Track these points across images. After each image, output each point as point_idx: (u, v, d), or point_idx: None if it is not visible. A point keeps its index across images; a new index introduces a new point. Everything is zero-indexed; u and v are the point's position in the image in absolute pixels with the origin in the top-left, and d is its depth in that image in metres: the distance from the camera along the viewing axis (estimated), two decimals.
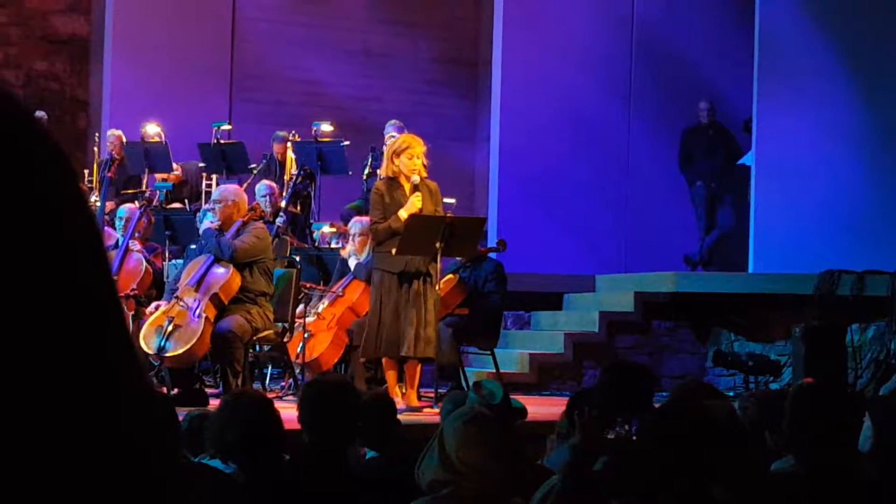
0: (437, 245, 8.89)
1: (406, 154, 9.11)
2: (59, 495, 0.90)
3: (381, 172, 9.66)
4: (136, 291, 10.49)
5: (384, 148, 12.83)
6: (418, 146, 9.15)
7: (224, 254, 9.58)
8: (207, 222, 10.17)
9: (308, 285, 10.73)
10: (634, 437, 4.91)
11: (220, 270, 9.59)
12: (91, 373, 0.92)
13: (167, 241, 11.47)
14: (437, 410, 8.93)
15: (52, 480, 0.90)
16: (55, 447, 0.90)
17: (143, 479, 0.94)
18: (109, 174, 13.83)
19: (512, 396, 5.31)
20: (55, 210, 0.93)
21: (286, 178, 13.52)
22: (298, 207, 13.18)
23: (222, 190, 10.16)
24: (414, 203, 9.03)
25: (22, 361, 0.89)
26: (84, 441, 0.91)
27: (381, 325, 9.02)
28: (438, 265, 9.09)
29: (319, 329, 10.40)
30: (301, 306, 10.48)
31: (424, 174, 9.17)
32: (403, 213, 8.99)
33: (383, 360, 9.23)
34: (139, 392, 0.96)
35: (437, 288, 9.14)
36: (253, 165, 13.74)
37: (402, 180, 9.14)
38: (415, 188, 9.08)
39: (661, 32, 14.63)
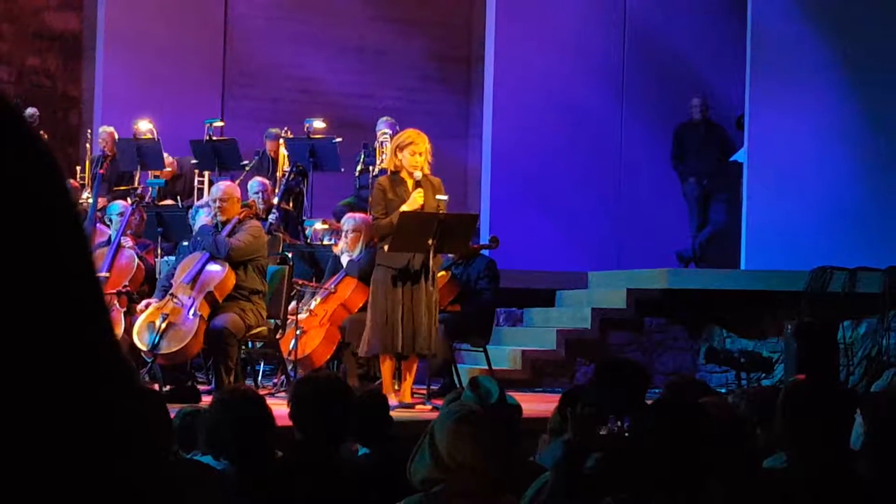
0: (430, 242, 8.88)
1: (409, 149, 9.10)
2: (43, 493, 0.90)
3: (384, 166, 9.64)
4: (128, 288, 10.48)
5: (376, 144, 12.87)
6: (422, 143, 9.14)
7: (220, 252, 9.57)
8: (203, 219, 10.15)
9: (300, 282, 10.72)
10: (627, 434, 4.91)
11: (215, 268, 9.58)
12: (75, 372, 0.91)
13: (159, 238, 11.46)
14: (429, 407, 8.95)
15: (36, 479, 0.89)
16: (38, 447, 0.89)
17: (128, 477, 0.94)
18: (101, 171, 13.81)
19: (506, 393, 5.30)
20: (38, 207, 0.92)
21: (279, 174, 13.51)
22: (291, 204, 13.17)
23: (224, 187, 10.11)
24: (416, 199, 9.02)
25: (3, 361, 0.89)
26: (67, 439, 0.91)
27: (389, 322, 9.00)
28: (432, 261, 9.08)
29: (312, 326, 10.40)
30: (293, 303, 10.47)
31: (427, 170, 9.17)
32: (406, 210, 8.99)
33: (381, 355, 9.22)
34: (124, 388, 0.95)
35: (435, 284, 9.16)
36: (245, 162, 13.73)
37: (405, 175, 9.13)
38: (417, 184, 9.07)
39: (653, 28, 14.64)
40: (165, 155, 14.08)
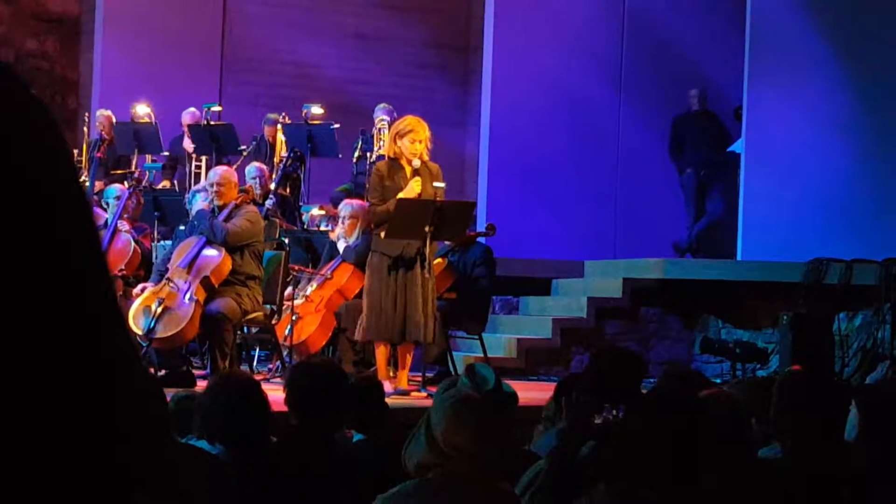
0: (427, 229, 8.87)
1: (409, 137, 9.06)
2: (52, 486, 0.89)
3: (383, 151, 9.61)
4: (125, 272, 10.48)
5: (374, 131, 12.86)
6: (423, 131, 9.10)
7: (217, 237, 9.56)
8: (200, 203, 10.15)
9: (297, 268, 10.72)
10: (622, 423, 4.91)
11: (211, 253, 9.57)
12: (86, 363, 0.91)
13: (156, 222, 11.46)
14: (424, 394, 8.95)
15: (44, 471, 0.89)
16: (47, 439, 0.89)
17: (129, 462, 0.94)
18: (99, 154, 13.81)
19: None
20: (47, 187, 0.92)
21: (276, 160, 13.50)
22: (288, 190, 13.16)
23: (222, 172, 10.10)
24: (413, 188, 8.99)
25: (14, 351, 0.88)
26: (75, 433, 0.90)
27: (382, 309, 8.99)
28: (429, 248, 9.07)
29: (307, 311, 10.40)
30: (289, 288, 10.47)
31: (426, 157, 9.14)
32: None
33: (375, 342, 9.21)
34: (132, 377, 0.95)
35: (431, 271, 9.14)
36: (243, 147, 13.72)
37: (404, 162, 9.10)
38: (415, 172, 9.05)
39: (652, 18, 14.62)
40: (192, 110, 14.09)
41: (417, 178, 9.02)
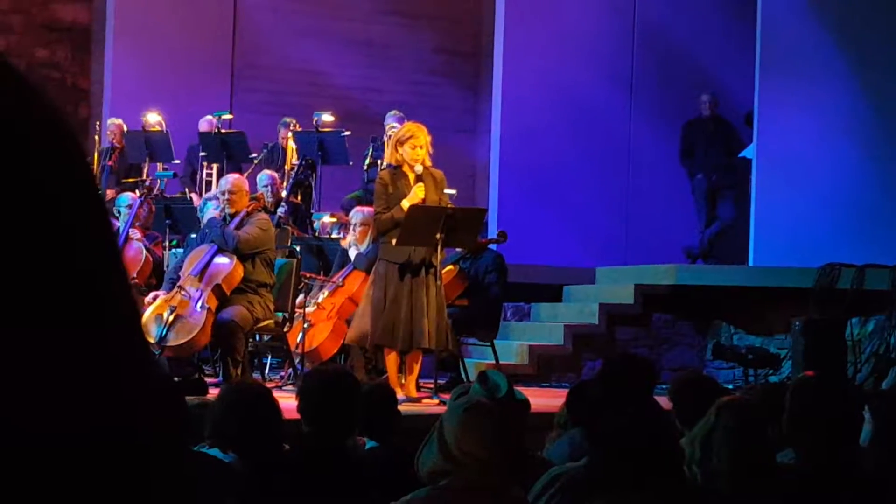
0: (438, 236, 8.87)
1: (409, 143, 9.07)
2: (53, 489, 0.89)
3: (385, 160, 9.62)
4: (136, 280, 10.50)
5: (385, 138, 12.86)
6: (422, 136, 9.10)
7: (228, 244, 9.57)
8: (212, 211, 10.16)
9: (308, 275, 10.73)
10: (630, 431, 4.91)
11: (223, 261, 9.58)
12: (96, 369, 0.91)
13: (167, 230, 11.47)
14: (436, 401, 8.94)
15: (45, 474, 0.89)
16: (55, 445, 0.89)
17: (147, 479, 0.93)
18: (110, 163, 13.83)
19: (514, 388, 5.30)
20: (56, 191, 0.92)
21: (287, 167, 13.51)
22: (299, 197, 13.17)
23: (233, 180, 10.10)
24: (416, 194, 8.99)
25: (20, 355, 0.88)
26: (77, 436, 0.90)
27: (387, 315, 8.98)
28: (440, 256, 9.08)
29: (319, 319, 10.40)
30: (301, 296, 10.48)
31: (429, 163, 9.13)
32: (406, 204, 8.96)
33: (385, 350, 9.21)
34: (146, 383, 0.95)
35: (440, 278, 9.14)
36: (254, 155, 13.73)
37: (406, 169, 9.10)
38: (418, 178, 9.05)
39: (662, 24, 14.62)
40: (209, 118, 14.09)
41: (420, 185, 9.01)
